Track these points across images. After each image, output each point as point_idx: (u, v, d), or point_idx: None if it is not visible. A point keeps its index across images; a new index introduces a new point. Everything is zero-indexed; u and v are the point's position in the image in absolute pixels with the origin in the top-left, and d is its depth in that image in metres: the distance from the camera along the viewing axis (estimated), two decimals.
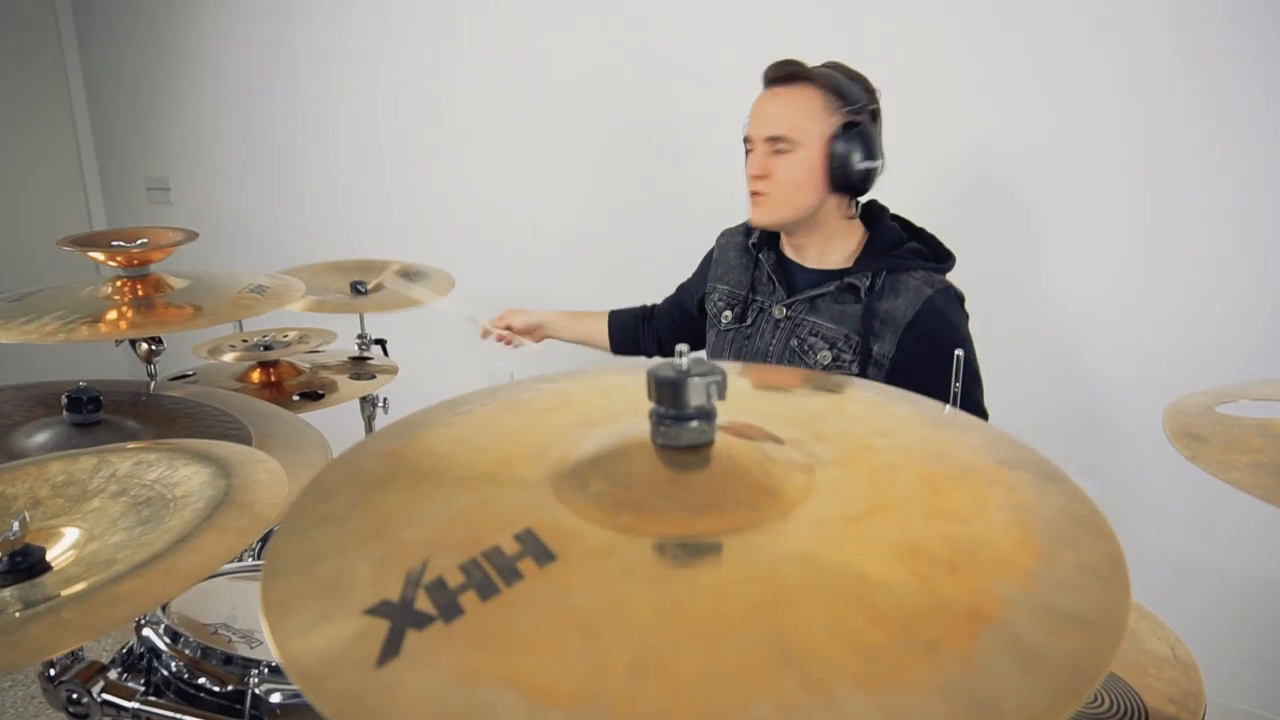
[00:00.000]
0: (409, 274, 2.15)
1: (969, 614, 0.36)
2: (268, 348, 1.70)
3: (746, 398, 0.60)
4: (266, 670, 0.77)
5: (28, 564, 0.70)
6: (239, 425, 1.23)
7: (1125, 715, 0.62)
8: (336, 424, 1.43)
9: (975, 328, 1.37)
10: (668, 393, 0.48)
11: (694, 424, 0.48)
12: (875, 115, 1.36)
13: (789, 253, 1.47)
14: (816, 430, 0.54)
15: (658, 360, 0.50)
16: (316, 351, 1.97)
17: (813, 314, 1.39)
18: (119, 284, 1.34)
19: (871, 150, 1.33)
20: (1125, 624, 0.35)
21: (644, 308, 1.82)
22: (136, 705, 0.72)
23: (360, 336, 2.09)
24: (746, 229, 1.56)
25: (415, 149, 2.89)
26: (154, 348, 1.39)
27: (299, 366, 1.75)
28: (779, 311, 1.43)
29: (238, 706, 0.77)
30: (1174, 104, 1.67)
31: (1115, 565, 0.40)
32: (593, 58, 2.43)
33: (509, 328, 1.80)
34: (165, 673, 0.80)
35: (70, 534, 0.74)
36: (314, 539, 0.47)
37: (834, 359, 1.36)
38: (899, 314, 1.32)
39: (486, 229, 2.80)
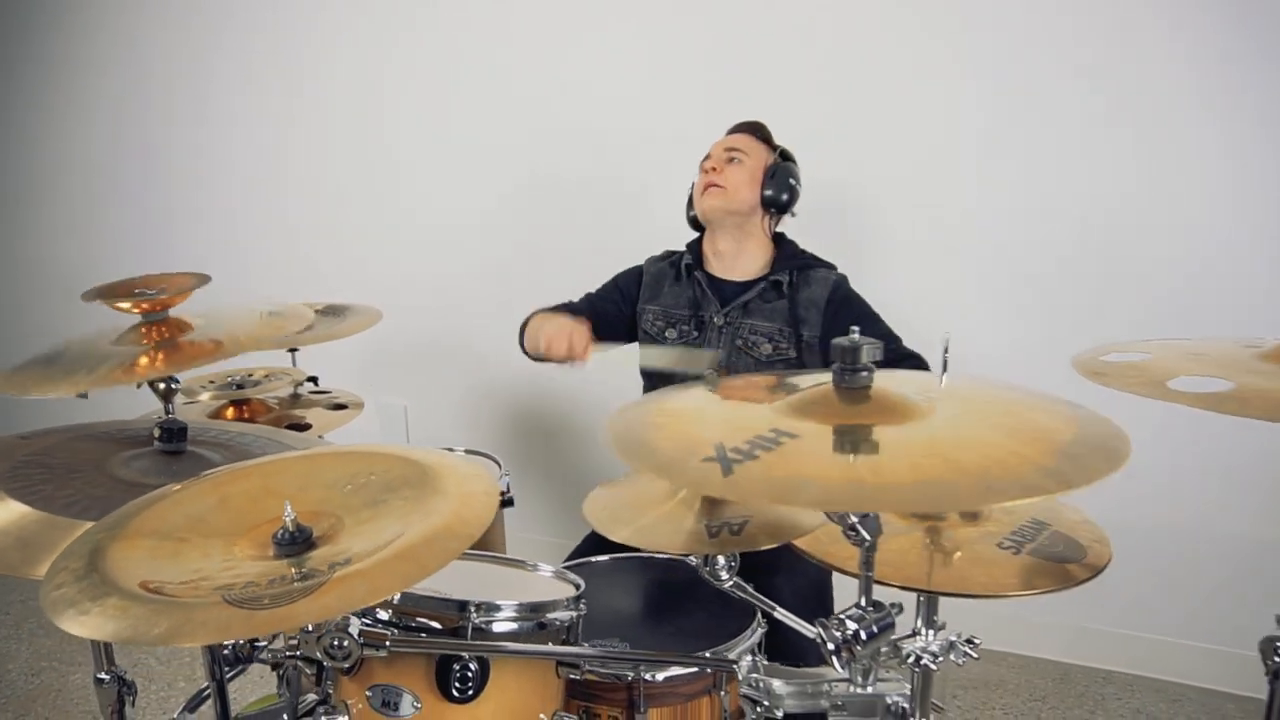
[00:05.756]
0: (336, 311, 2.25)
1: (1059, 441, 0.72)
2: (240, 386, 1.78)
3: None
4: (478, 607, 0.99)
5: (304, 537, 0.87)
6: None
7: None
8: None
9: None
10: (849, 355, 0.81)
11: (864, 374, 0.81)
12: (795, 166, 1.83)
13: (716, 270, 1.85)
14: (926, 388, 0.88)
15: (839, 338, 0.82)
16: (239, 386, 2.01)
17: (748, 317, 1.78)
18: (143, 330, 1.41)
19: (791, 180, 1.80)
20: (1127, 447, 0.72)
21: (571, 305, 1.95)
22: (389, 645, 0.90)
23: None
24: (668, 257, 1.92)
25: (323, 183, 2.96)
26: (172, 386, 1.46)
27: (269, 404, 1.84)
28: (718, 319, 1.79)
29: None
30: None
31: (1113, 429, 0.78)
32: (507, 95, 2.68)
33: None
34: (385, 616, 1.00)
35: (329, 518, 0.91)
36: (647, 443, 0.75)
37: (774, 349, 1.75)
38: (819, 296, 1.75)
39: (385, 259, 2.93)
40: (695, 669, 1.22)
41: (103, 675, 1.30)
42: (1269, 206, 2.04)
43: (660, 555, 1.57)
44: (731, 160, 1.78)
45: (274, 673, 1.47)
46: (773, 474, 0.69)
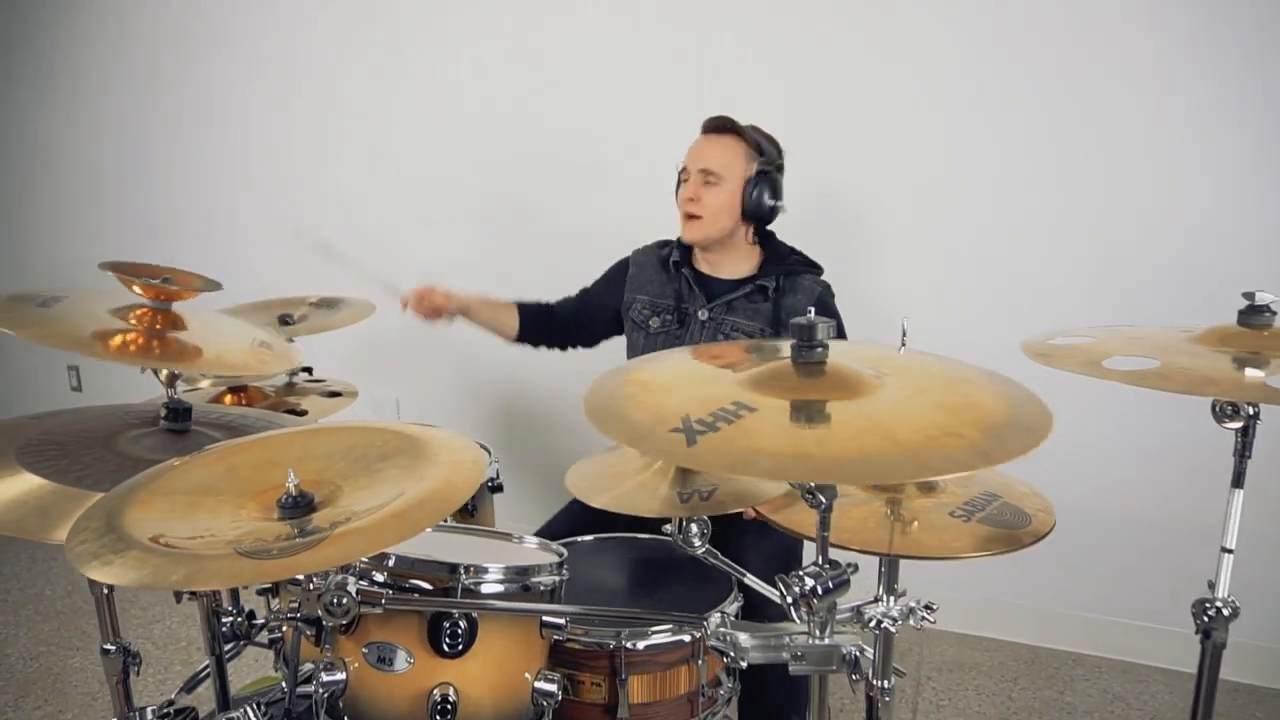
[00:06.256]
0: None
1: (992, 421, 0.80)
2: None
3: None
4: (468, 569, 1.06)
5: (305, 502, 0.94)
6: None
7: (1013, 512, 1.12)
8: None
9: None
10: (806, 333, 0.88)
11: (819, 350, 0.89)
12: (780, 169, 1.84)
13: (703, 267, 1.91)
14: (880, 363, 0.96)
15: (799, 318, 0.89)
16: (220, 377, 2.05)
17: (731, 314, 1.84)
18: (140, 311, 1.46)
19: (776, 193, 1.81)
20: (1049, 427, 0.80)
21: (545, 304, 2.08)
22: (385, 602, 0.98)
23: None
24: (660, 248, 1.97)
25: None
26: (175, 372, 1.52)
27: (265, 391, 1.91)
28: (702, 314, 1.86)
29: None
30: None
31: (1042, 409, 0.85)
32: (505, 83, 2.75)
33: (435, 310, 2.00)
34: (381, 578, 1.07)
35: (329, 485, 0.98)
36: (620, 413, 0.82)
37: None
38: (801, 306, 1.79)
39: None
40: (675, 639, 1.30)
41: (109, 646, 1.37)
42: (1253, 204, 2.13)
43: (640, 536, 1.65)
44: (708, 184, 1.78)
45: (270, 649, 1.54)
46: (732, 446, 0.76)
